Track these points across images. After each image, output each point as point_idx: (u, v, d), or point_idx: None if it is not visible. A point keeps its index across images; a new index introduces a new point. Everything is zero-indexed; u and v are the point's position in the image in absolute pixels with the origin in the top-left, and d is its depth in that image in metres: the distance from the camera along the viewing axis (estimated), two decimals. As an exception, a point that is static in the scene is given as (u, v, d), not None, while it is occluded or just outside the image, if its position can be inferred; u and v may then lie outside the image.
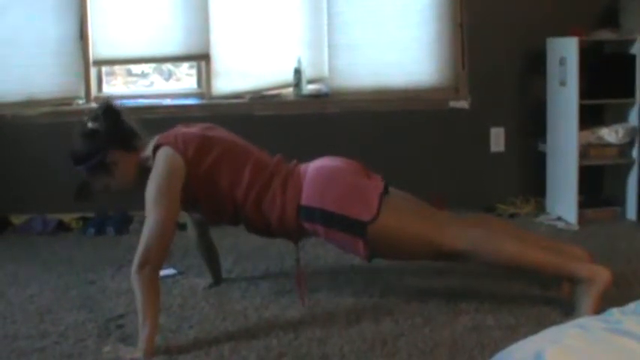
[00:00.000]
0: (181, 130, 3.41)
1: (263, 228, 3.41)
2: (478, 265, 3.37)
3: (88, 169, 3.32)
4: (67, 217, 5.07)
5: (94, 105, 5.24)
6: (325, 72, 5.34)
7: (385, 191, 3.32)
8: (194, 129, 3.44)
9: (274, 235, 3.45)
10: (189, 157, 3.25)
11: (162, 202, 3.09)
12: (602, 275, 3.14)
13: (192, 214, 3.68)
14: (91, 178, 3.35)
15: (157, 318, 3.02)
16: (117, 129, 3.33)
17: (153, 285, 3.00)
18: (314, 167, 3.37)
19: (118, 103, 3.55)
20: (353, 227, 3.18)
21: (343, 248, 3.31)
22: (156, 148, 3.28)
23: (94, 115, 3.36)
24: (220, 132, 3.54)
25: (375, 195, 3.23)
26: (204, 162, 3.29)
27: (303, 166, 3.40)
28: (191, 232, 3.86)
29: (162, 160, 3.22)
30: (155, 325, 2.99)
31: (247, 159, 3.38)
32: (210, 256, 3.87)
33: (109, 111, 3.38)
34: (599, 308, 2.99)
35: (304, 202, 3.25)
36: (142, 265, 2.98)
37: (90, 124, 3.33)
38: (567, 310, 3.18)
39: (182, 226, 4.17)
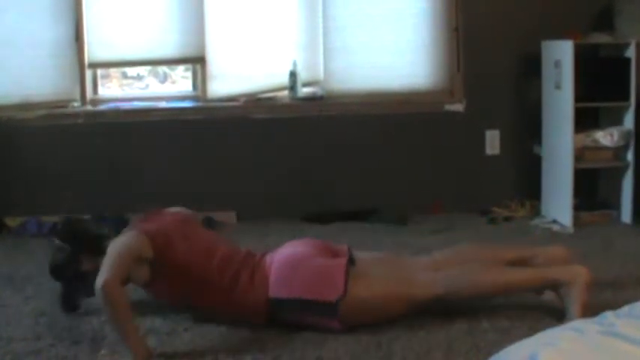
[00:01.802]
0: (149, 223, 3.42)
1: (233, 318, 3.38)
2: (460, 303, 3.37)
3: (67, 281, 3.41)
4: (62, 220, 5.06)
5: (89, 107, 5.24)
6: (320, 75, 5.35)
7: (351, 261, 3.32)
8: (163, 222, 3.45)
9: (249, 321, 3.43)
10: (157, 244, 3.26)
11: (109, 268, 3.07)
12: (579, 274, 3.22)
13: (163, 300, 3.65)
14: (72, 290, 3.42)
15: (132, 326, 3.03)
16: (79, 240, 3.39)
17: (111, 302, 2.98)
18: (279, 257, 3.35)
19: (76, 217, 3.62)
20: (324, 309, 3.17)
21: (318, 329, 3.29)
22: None
23: (56, 232, 3.48)
24: (191, 224, 3.56)
25: (340, 272, 3.21)
26: (172, 252, 3.28)
27: (269, 257, 3.38)
28: None
29: (124, 236, 3.28)
30: (131, 332, 3.01)
31: (215, 252, 3.37)
32: None
33: (68, 225, 3.50)
34: (588, 307, 3.05)
35: (272, 294, 3.24)
36: (97, 287, 2.99)
37: (57, 242, 3.42)
38: (561, 314, 3.19)
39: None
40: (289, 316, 3.25)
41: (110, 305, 2.97)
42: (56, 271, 3.41)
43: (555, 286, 3.25)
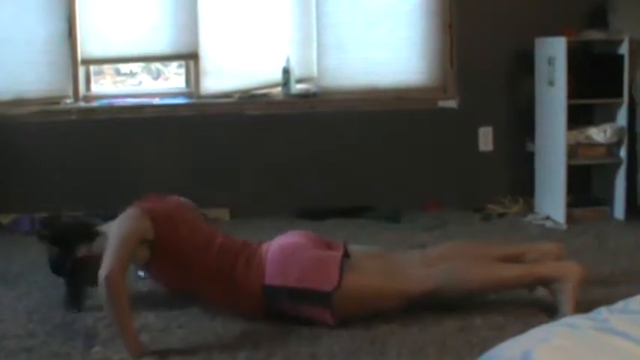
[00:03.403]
0: (151, 202, 3.42)
1: (228, 305, 3.38)
2: (454, 300, 3.38)
3: (68, 274, 3.37)
4: (52, 213, 5.04)
5: (82, 104, 5.23)
6: (314, 71, 5.34)
7: (346, 255, 3.33)
8: (164, 204, 3.46)
9: (240, 312, 3.42)
10: (158, 224, 3.26)
11: (112, 255, 3.06)
12: (571, 270, 3.23)
13: (160, 285, 3.64)
14: (79, 281, 3.39)
15: (129, 321, 3.02)
16: (65, 231, 3.38)
17: (113, 293, 2.97)
18: (275, 246, 3.37)
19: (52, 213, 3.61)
20: (318, 299, 3.19)
21: (312, 320, 3.29)
22: None
23: (42, 235, 3.43)
24: (190, 211, 3.58)
25: (335, 264, 3.23)
26: (173, 234, 3.29)
27: (265, 246, 3.40)
28: None
29: (124, 214, 3.28)
30: (129, 327, 3.01)
31: (213, 239, 3.39)
32: None
33: (48, 223, 3.52)
34: (582, 303, 3.04)
35: (268, 281, 3.25)
36: (101, 276, 2.98)
37: (47, 241, 3.40)
38: (552, 311, 3.20)
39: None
40: (283, 305, 3.26)
41: (111, 296, 2.96)
42: (55, 268, 3.40)
43: (547, 282, 3.26)
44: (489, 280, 3.30)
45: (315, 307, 3.20)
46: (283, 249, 3.33)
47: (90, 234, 3.33)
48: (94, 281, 3.05)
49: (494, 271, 3.33)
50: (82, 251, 3.32)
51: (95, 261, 3.10)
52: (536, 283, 3.35)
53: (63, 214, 3.59)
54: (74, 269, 3.34)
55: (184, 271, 3.30)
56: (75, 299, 3.43)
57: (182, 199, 3.70)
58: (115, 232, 3.16)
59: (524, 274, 3.32)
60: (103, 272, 2.97)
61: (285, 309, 3.27)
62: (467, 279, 3.28)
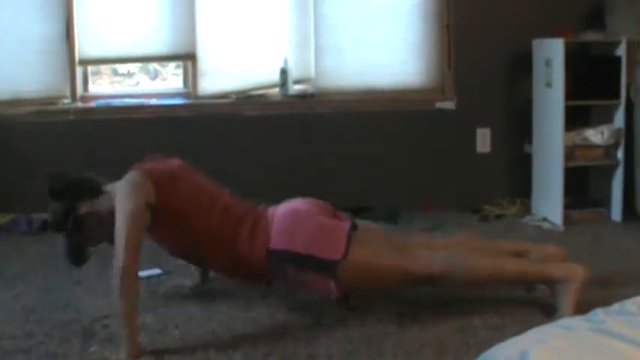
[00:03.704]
0: (153, 163, 3.41)
1: (232, 270, 3.39)
2: (456, 288, 3.37)
3: (69, 233, 3.32)
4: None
5: (79, 104, 5.23)
6: (311, 72, 5.34)
7: (353, 228, 3.32)
8: (166, 165, 3.44)
9: (244, 278, 3.43)
10: (159, 187, 3.25)
11: (129, 201, 3.08)
12: (576, 273, 3.21)
13: (163, 247, 3.63)
14: (79, 238, 3.34)
15: (135, 318, 3.02)
16: (71, 186, 3.34)
17: (128, 285, 2.97)
18: (282, 210, 3.37)
19: (60, 169, 3.53)
20: (323, 267, 3.18)
21: (315, 290, 3.29)
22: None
23: (49, 189, 3.38)
24: (194, 172, 3.55)
25: (343, 234, 3.23)
26: (174, 199, 3.28)
27: (271, 209, 3.40)
28: None
29: (128, 176, 3.26)
30: (133, 325, 3.00)
31: (217, 202, 3.39)
32: None
33: (55, 176, 3.41)
34: (579, 305, 3.05)
35: (273, 245, 3.25)
36: (117, 266, 2.97)
37: (50, 194, 3.37)
38: (552, 312, 3.20)
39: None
40: (287, 272, 3.24)
41: (125, 285, 2.95)
42: (56, 224, 3.34)
43: (551, 282, 3.24)
44: (494, 271, 3.27)
45: (319, 276, 3.18)
46: (291, 214, 3.32)
47: (94, 191, 3.30)
48: (92, 240, 3.04)
49: (501, 263, 3.30)
50: (84, 208, 3.28)
51: (96, 219, 3.11)
52: (539, 282, 3.33)
53: (72, 169, 3.50)
54: (75, 225, 3.29)
55: (186, 234, 3.29)
56: (74, 255, 3.37)
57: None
58: (122, 208, 3.10)
59: (529, 271, 3.30)
60: (118, 262, 2.96)
61: (289, 275, 3.26)
62: (472, 267, 3.25)
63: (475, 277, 3.28)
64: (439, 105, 5.32)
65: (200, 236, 3.30)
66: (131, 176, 3.25)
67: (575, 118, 4.88)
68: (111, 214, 3.16)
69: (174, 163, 3.51)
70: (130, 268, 2.97)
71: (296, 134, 5.24)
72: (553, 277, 3.22)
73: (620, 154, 4.88)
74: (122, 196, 3.16)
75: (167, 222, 3.27)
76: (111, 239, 3.13)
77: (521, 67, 5.17)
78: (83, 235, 3.30)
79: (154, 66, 5.78)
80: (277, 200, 5.18)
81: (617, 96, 4.80)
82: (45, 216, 4.90)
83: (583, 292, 3.18)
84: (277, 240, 3.25)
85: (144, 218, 3.14)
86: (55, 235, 4.76)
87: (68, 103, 5.25)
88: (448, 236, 3.71)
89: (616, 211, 4.93)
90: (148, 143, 5.15)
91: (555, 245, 3.67)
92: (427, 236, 3.56)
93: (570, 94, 4.70)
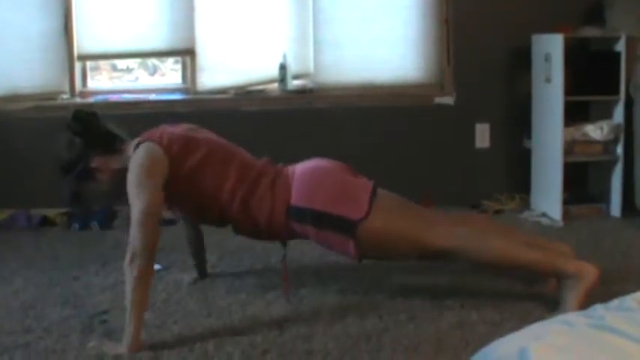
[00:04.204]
0: (166, 129, 3.39)
1: (251, 229, 3.39)
2: (466, 263, 3.37)
3: (74, 178, 3.28)
4: (51, 213, 5.04)
5: (78, 100, 5.23)
6: (310, 68, 5.34)
7: (374, 192, 3.31)
8: (179, 129, 3.41)
9: (262, 236, 3.43)
10: (173, 155, 3.23)
11: (144, 190, 3.05)
12: (589, 272, 3.16)
13: (176, 212, 3.65)
14: (81, 187, 3.31)
15: (143, 313, 3.01)
16: (91, 134, 3.28)
17: (142, 279, 2.95)
18: (303, 168, 3.36)
19: (88, 109, 3.45)
20: (343, 226, 3.17)
21: (333, 249, 3.28)
22: (138, 146, 3.26)
23: (67, 125, 3.30)
24: (206, 133, 3.52)
25: (365, 194, 3.22)
26: (189, 161, 3.26)
27: (291, 167, 3.39)
28: (182, 223, 3.84)
29: (144, 151, 3.20)
30: (140, 320, 2.98)
31: (233, 160, 3.36)
32: (198, 250, 3.85)
33: (80, 118, 3.31)
34: (585, 305, 3.01)
35: (294, 202, 3.24)
36: (131, 258, 2.95)
37: (66, 134, 3.29)
38: (551, 307, 3.20)
39: (167, 222, 4.18)
40: (307, 229, 3.24)
41: (139, 287, 2.91)
42: (67, 166, 3.27)
43: (563, 276, 3.19)
44: (508, 255, 3.24)
45: (339, 235, 3.18)
46: (313, 171, 3.32)
47: (112, 147, 3.27)
48: (94, 196, 3.03)
49: (517, 247, 3.27)
50: (96, 161, 3.26)
51: (106, 175, 3.13)
52: (550, 274, 3.30)
53: (101, 113, 3.44)
54: (83, 175, 3.26)
55: (202, 197, 3.27)
56: (75, 201, 3.36)
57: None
58: (135, 193, 3.06)
59: (544, 261, 3.25)
60: (135, 266, 2.91)
61: (308, 233, 3.26)
62: (488, 247, 3.23)
63: (490, 258, 3.25)
64: (438, 100, 5.32)
65: (218, 195, 3.27)
66: (149, 150, 3.21)
67: (575, 114, 4.88)
68: (123, 174, 3.14)
69: (182, 127, 3.47)
70: (146, 272, 2.96)
71: (295, 129, 5.24)
72: (566, 271, 3.17)
73: (619, 149, 4.87)
74: (137, 177, 3.10)
75: (184, 188, 3.25)
76: (115, 198, 3.10)
77: (521, 62, 5.17)
78: (89, 186, 3.28)
79: (152, 61, 5.77)
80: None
81: (617, 91, 4.80)
82: (44, 212, 4.93)
83: (590, 292, 3.11)
84: (298, 197, 3.24)
85: (159, 213, 3.09)
86: (52, 232, 4.79)
87: (67, 99, 5.25)
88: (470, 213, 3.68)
89: (615, 207, 4.93)
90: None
91: (566, 244, 3.63)
92: (446, 212, 3.52)
93: (570, 89, 4.70)
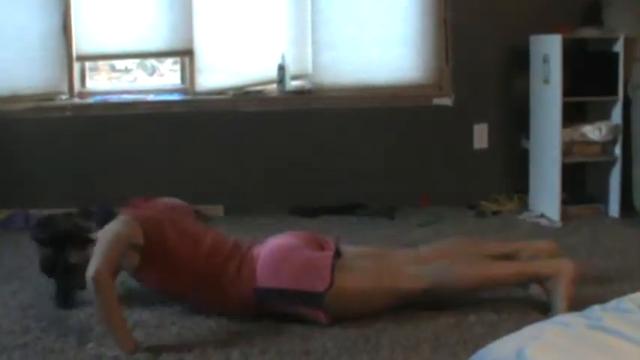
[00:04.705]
0: (139, 208, 3.43)
1: (219, 307, 3.36)
2: (447, 297, 3.38)
3: (60, 277, 3.40)
4: (49, 213, 5.03)
5: (77, 100, 5.23)
6: (309, 68, 5.34)
7: (338, 254, 3.35)
8: (153, 209, 3.46)
9: (232, 312, 3.41)
10: (147, 231, 3.25)
11: (100, 256, 3.05)
12: (565, 267, 3.24)
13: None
14: (69, 284, 3.40)
15: (118, 318, 3.02)
16: (59, 238, 3.37)
17: (102, 293, 2.97)
18: (267, 248, 3.36)
19: (46, 219, 3.56)
20: (310, 299, 3.18)
21: (305, 320, 3.29)
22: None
23: (33, 236, 3.44)
24: (180, 214, 3.58)
25: (327, 264, 3.23)
26: (162, 241, 3.27)
27: (256, 249, 3.38)
28: None
29: (118, 219, 3.27)
30: (120, 326, 3.01)
31: (202, 243, 3.37)
32: None
33: (43, 225, 3.46)
34: (575, 301, 3.05)
35: (260, 283, 3.24)
36: (89, 275, 2.98)
37: (40, 243, 3.42)
38: (546, 308, 3.20)
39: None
40: (276, 307, 3.25)
41: (99, 295, 2.97)
42: (46, 270, 3.42)
43: (541, 279, 3.26)
44: (483, 278, 3.31)
45: (308, 308, 3.20)
46: (275, 251, 3.32)
47: (84, 241, 3.31)
48: (84, 284, 3.05)
49: (488, 269, 3.34)
50: (74, 257, 3.32)
51: (86, 267, 3.10)
52: (529, 281, 3.36)
53: (58, 215, 3.55)
54: (66, 273, 3.35)
55: (174, 275, 3.28)
56: (65, 300, 3.44)
57: (169, 199, 3.70)
58: (102, 237, 3.15)
59: (518, 272, 3.34)
60: (89, 272, 2.97)
61: (278, 309, 3.27)
62: (460, 277, 3.29)
63: (465, 286, 3.33)
64: (436, 101, 5.31)
65: (187, 276, 3.29)
66: (118, 218, 3.29)
67: (573, 115, 4.88)
68: None
69: (159, 204, 3.57)
70: (98, 279, 2.96)
71: (293, 130, 5.24)
72: (541, 274, 3.25)
73: (617, 150, 4.88)
74: (103, 240, 3.15)
75: (156, 263, 3.27)
76: None
77: (519, 63, 5.16)
78: (73, 281, 3.34)
79: (151, 62, 5.78)
80: (275, 198, 5.21)
81: (615, 92, 4.80)
82: (42, 212, 4.92)
83: (574, 286, 3.19)
84: (263, 279, 3.24)
85: (122, 243, 3.14)
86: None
87: (66, 99, 5.25)
88: (437, 241, 3.70)
89: (613, 207, 4.94)
90: (145, 139, 5.17)
91: (546, 240, 3.69)
92: (414, 251, 3.56)
93: (568, 90, 4.70)
